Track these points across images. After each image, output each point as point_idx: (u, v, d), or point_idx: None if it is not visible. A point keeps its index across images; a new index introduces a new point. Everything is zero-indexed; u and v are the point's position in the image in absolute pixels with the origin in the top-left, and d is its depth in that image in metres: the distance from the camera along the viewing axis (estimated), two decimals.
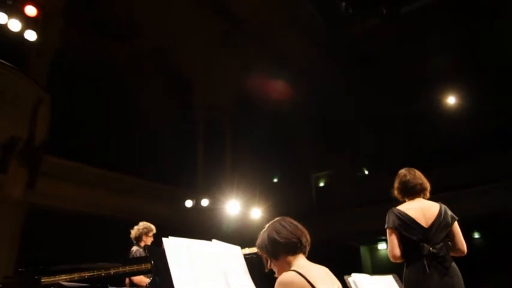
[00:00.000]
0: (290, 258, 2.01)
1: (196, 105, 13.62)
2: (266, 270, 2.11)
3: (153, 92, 12.70)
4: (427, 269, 2.95)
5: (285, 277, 1.87)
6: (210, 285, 2.40)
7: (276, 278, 1.91)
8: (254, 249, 3.27)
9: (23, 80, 8.50)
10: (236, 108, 13.97)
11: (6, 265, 7.66)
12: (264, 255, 2.09)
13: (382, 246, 13.36)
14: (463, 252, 3.08)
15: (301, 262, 1.99)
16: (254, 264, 2.91)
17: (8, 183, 8.39)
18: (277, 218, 2.11)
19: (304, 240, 2.02)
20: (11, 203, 8.46)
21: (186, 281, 2.28)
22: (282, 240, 2.00)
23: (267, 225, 2.11)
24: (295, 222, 2.07)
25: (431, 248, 3.01)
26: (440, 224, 3.08)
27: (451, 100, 11.73)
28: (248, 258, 2.88)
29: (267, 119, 13.11)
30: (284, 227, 2.03)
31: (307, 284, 1.82)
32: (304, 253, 2.05)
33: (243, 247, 3.03)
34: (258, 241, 2.10)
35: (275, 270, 2.08)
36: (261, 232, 2.11)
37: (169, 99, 12.90)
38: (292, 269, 1.93)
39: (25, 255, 8.12)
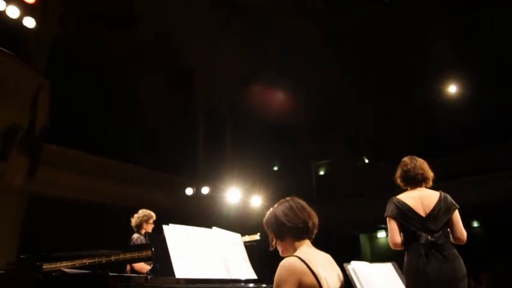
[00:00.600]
0: (295, 242, 2.03)
1: (197, 94, 13.59)
2: (271, 248, 2.13)
3: (153, 81, 12.65)
4: (425, 258, 2.98)
5: (287, 262, 1.89)
6: (210, 272, 2.42)
7: (275, 265, 1.92)
8: (254, 237, 3.29)
9: (22, 67, 8.46)
10: (236, 97, 13.93)
11: (8, 252, 7.71)
12: (270, 234, 2.10)
13: (381, 234, 13.43)
14: (462, 241, 3.10)
15: (305, 248, 2.00)
16: (254, 252, 2.93)
17: (9, 171, 8.40)
18: (288, 198, 2.11)
19: (311, 225, 2.03)
20: (12, 191, 8.48)
21: (186, 268, 2.30)
22: (288, 224, 2.01)
23: (278, 203, 2.11)
24: (304, 206, 2.07)
25: (429, 237, 3.03)
26: (439, 212, 3.10)
27: (451, 89, 11.70)
28: (248, 246, 2.90)
29: (267, 107, 13.08)
30: (293, 210, 2.04)
31: (309, 271, 1.85)
32: (310, 238, 2.06)
33: (243, 235, 3.05)
34: (266, 218, 2.11)
35: (279, 249, 2.10)
36: (270, 209, 2.11)
37: (170, 88, 12.86)
38: (295, 254, 1.95)
39: (27, 243, 8.17)
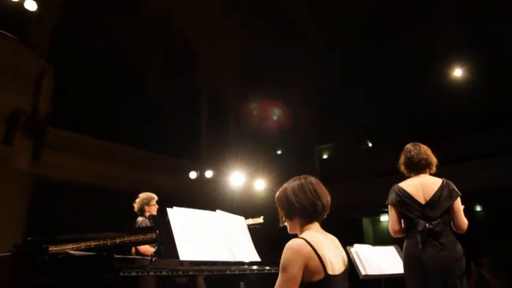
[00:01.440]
0: (303, 222, 2.04)
1: (200, 78, 13.53)
2: (280, 225, 2.13)
3: (156, 64, 12.60)
4: (421, 245, 2.99)
5: (293, 244, 1.90)
6: (214, 254, 2.44)
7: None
8: (258, 220, 3.31)
9: (25, 51, 8.43)
10: (240, 80, 13.86)
11: (14, 234, 7.80)
12: (280, 210, 2.11)
13: (384, 218, 13.48)
14: (461, 230, 3.08)
15: (312, 230, 2.01)
16: (257, 235, 2.95)
17: (14, 155, 8.45)
18: (301, 176, 2.09)
19: (319, 207, 2.02)
20: (17, 174, 8.54)
21: (190, 250, 2.32)
22: (298, 205, 2.01)
23: (291, 180, 2.10)
24: (316, 186, 2.05)
25: (427, 224, 3.03)
26: (439, 199, 3.09)
27: (456, 73, 11.57)
28: (252, 229, 2.92)
29: (271, 90, 13.02)
30: (303, 189, 2.03)
31: (314, 254, 1.86)
32: (319, 220, 2.06)
33: (246, 218, 3.07)
34: (277, 194, 2.11)
35: (287, 226, 2.11)
36: (284, 185, 2.10)
37: (173, 71, 12.80)
38: (302, 236, 1.96)
39: (33, 225, 8.26)
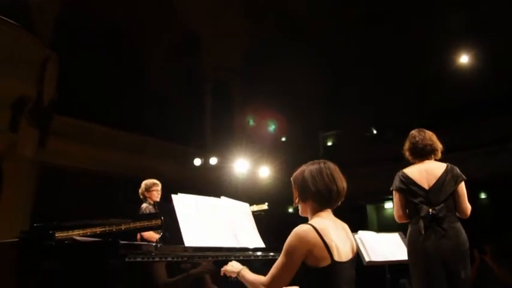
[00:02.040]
0: (316, 207, 2.04)
1: (205, 64, 13.48)
2: (294, 204, 2.14)
3: (160, 51, 12.55)
4: (423, 231, 3.00)
5: (300, 229, 1.91)
6: (219, 240, 2.46)
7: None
8: (262, 207, 3.32)
9: (29, 38, 8.42)
10: (245, 67, 13.80)
11: (22, 221, 7.88)
12: (294, 191, 2.12)
13: (388, 205, 13.49)
14: (465, 214, 3.08)
15: (322, 217, 2.01)
16: (262, 221, 2.96)
17: (20, 142, 8.50)
18: (320, 161, 2.09)
19: (335, 193, 2.02)
20: (24, 162, 8.60)
21: (195, 236, 2.33)
22: (313, 188, 2.01)
23: (309, 163, 2.10)
24: (333, 171, 2.05)
25: (430, 210, 3.03)
26: (443, 185, 3.08)
27: (463, 59, 11.45)
28: (256, 215, 2.93)
29: (275, 77, 12.96)
30: (321, 175, 2.02)
31: (321, 242, 1.87)
32: (332, 207, 2.06)
33: (251, 204, 3.08)
34: (294, 175, 2.12)
35: (299, 208, 2.12)
36: (302, 167, 2.11)
37: (177, 58, 12.75)
38: (310, 222, 1.97)
39: (39, 212, 8.33)
